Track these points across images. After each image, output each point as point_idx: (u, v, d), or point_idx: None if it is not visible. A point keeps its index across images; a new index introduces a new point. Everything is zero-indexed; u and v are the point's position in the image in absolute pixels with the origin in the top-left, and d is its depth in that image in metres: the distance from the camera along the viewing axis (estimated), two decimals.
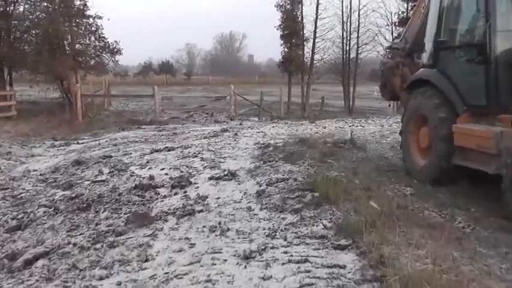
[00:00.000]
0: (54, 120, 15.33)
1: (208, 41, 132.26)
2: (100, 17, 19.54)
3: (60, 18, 18.55)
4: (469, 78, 5.30)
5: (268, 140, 9.29)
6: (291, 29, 25.33)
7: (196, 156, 7.62)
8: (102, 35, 20.02)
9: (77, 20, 19.62)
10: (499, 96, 4.95)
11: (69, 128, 14.27)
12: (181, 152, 8.18)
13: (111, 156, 8.16)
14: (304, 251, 3.52)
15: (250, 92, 26.05)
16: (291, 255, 3.44)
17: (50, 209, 5.14)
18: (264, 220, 4.37)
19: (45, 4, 18.98)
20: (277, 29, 25.68)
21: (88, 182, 6.33)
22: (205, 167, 6.84)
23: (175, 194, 5.54)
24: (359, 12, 26.30)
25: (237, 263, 3.41)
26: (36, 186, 6.58)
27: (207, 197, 5.24)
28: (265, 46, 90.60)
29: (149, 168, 6.94)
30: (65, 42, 19.01)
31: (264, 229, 4.12)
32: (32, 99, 22.25)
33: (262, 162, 6.92)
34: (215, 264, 3.41)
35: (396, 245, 3.41)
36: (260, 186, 5.57)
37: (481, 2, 5.03)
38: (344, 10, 26.21)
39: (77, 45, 19.65)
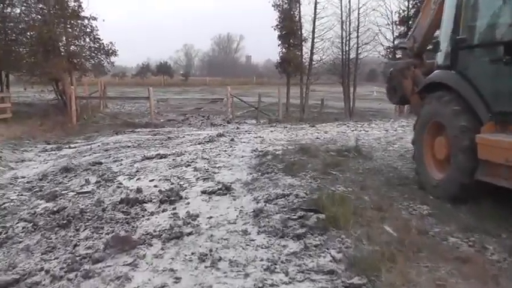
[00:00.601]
0: (48, 123, 15.46)
1: (206, 42, 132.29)
2: (95, 18, 19.36)
3: (54, 20, 18.40)
4: (494, 81, 4.61)
5: (266, 146, 8.76)
6: (289, 29, 24.95)
7: (189, 166, 7.15)
8: (97, 36, 19.85)
9: (72, 22, 19.44)
10: None
11: (62, 131, 14.23)
12: (173, 160, 7.73)
13: (100, 163, 7.92)
14: None
15: (248, 93, 25.65)
16: None
17: (29, 224, 4.96)
18: (262, 248, 3.80)
19: (41, 6, 18.88)
20: (275, 29, 25.38)
21: (73, 194, 6.10)
22: (198, 178, 6.35)
23: (164, 210, 5.09)
24: (358, 11, 25.91)
25: None
26: (21, 195, 6.46)
27: (197, 216, 4.73)
28: (263, 47, 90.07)
29: (138, 179, 6.58)
30: (60, 43, 18.86)
31: (262, 260, 3.58)
32: (28, 101, 22.43)
33: (260, 173, 6.36)
34: None
35: (421, 286, 2.84)
36: (258, 203, 5.00)
37: None
38: (343, 9, 25.79)
39: (72, 47, 19.64)
